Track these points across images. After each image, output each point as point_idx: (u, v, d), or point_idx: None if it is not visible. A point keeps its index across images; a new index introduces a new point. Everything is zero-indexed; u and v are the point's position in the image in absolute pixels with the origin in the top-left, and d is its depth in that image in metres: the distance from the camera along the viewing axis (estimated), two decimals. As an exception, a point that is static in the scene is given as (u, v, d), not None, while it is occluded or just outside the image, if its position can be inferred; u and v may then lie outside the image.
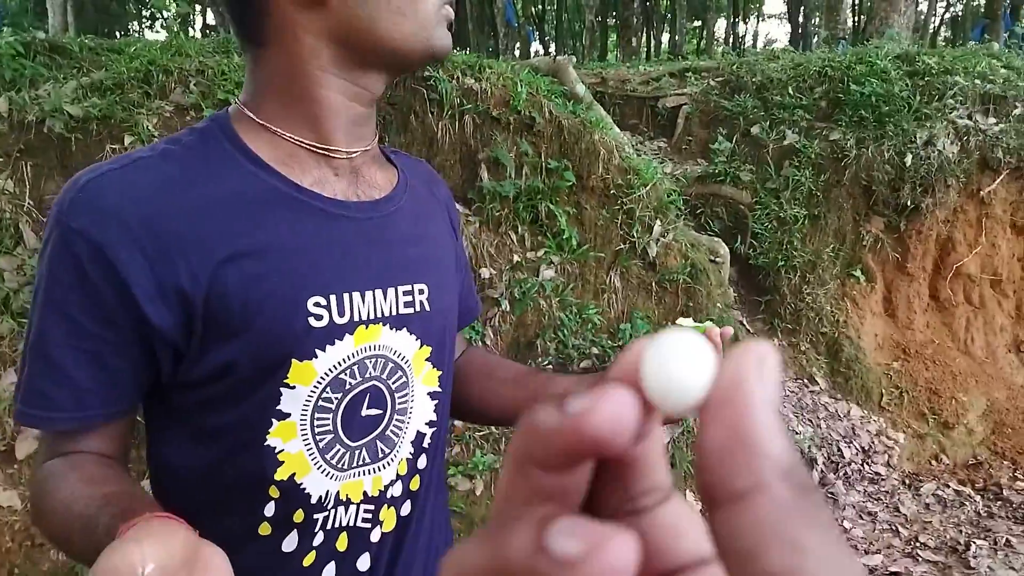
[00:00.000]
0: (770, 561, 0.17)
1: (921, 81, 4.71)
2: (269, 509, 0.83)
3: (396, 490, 0.91)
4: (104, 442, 0.80)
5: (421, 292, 0.90)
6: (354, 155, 0.88)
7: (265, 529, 0.83)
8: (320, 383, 0.82)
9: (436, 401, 0.95)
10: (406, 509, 0.93)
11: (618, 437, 0.19)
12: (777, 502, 0.17)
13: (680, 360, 0.20)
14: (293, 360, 0.80)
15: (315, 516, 0.84)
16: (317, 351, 0.81)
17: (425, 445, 0.94)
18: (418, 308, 0.90)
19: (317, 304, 0.81)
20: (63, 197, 0.76)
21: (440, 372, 0.95)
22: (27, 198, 2.84)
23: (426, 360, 0.92)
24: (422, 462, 0.94)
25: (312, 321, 0.80)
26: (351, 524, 0.87)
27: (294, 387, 0.81)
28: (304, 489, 0.83)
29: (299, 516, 0.84)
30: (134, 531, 0.58)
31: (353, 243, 0.85)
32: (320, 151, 0.85)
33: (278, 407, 0.81)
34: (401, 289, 0.88)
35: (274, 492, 0.82)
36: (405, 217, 0.92)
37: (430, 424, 0.95)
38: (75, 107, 2.87)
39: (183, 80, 3.03)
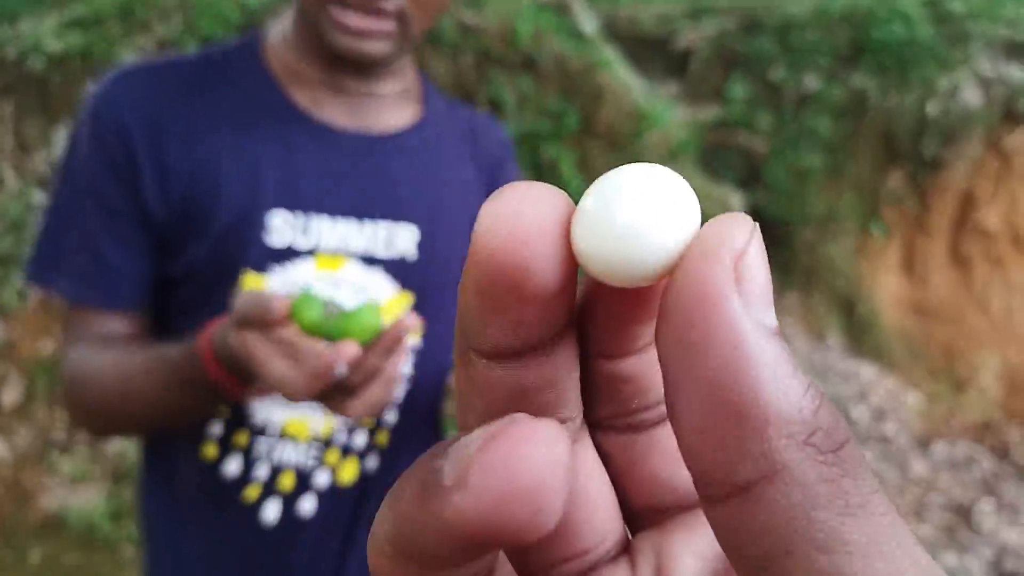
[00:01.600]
0: (797, 570, 0.12)
1: (947, 27, 4.53)
2: (217, 428, 0.86)
3: (358, 441, 0.89)
4: (131, 327, 0.85)
5: (407, 236, 0.88)
6: (348, 85, 0.87)
7: (209, 452, 0.86)
8: None
9: (414, 355, 0.91)
10: (372, 463, 0.90)
11: (528, 260, 0.14)
12: (800, 487, 0.12)
13: (632, 210, 0.14)
14: (249, 270, 0.82)
15: (257, 441, 0.85)
16: (274, 265, 0.82)
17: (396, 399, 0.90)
18: (398, 252, 0.87)
19: (282, 219, 0.82)
20: (101, 83, 0.84)
21: (424, 325, 0.90)
22: (9, 137, 2.78)
23: (406, 309, 0.89)
24: (391, 417, 0.90)
25: (270, 235, 0.82)
26: (296, 464, 0.87)
27: None
28: (247, 410, 0.84)
29: (242, 439, 0.85)
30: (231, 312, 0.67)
31: (335, 169, 0.85)
32: (313, 75, 0.86)
33: None
34: (382, 225, 0.86)
35: (223, 411, 0.85)
36: (411, 156, 0.91)
37: (404, 378, 0.91)
38: (55, 42, 2.77)
39: (164, 14, 2.92)
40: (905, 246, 4.47)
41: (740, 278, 0.13)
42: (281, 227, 0.82)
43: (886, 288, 4.40)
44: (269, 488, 0.87)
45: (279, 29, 0.89)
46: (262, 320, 0.64)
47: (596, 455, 0.18)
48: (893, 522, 0.13)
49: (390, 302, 0.87)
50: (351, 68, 0.84)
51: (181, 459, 0.87)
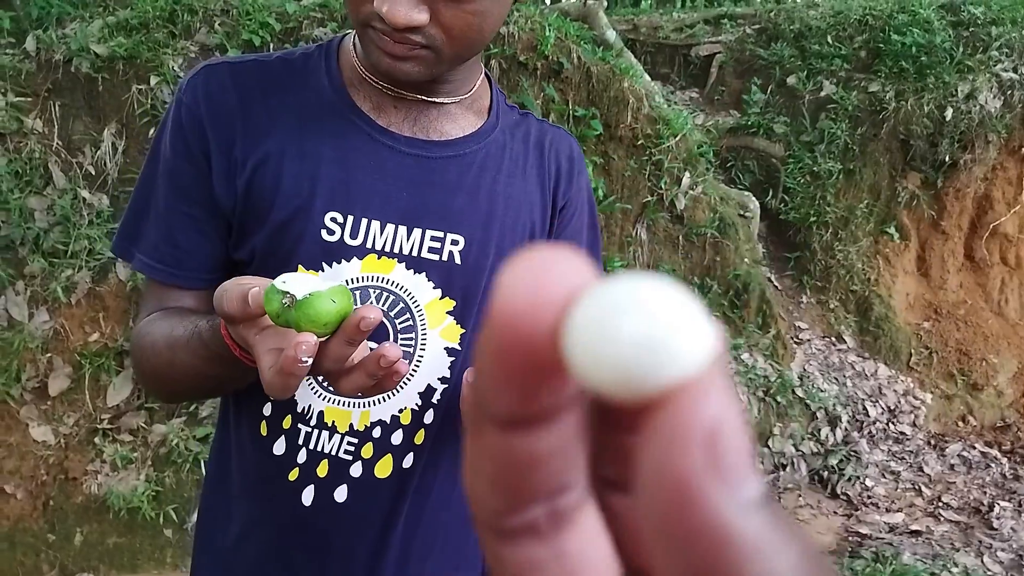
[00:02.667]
0: None
1: (966, 32, 4.53)
2: (267, 409, 0.89)
3: (395, 437, 0.91)
4: (198, 303, 0.89)
5: (454, 243, 0.88)
6: (408, 97, 0.88)
7: (264, 429, 0.90)
8: None
9: (453, 359, 0.92)
10: (408, 461, 0.92)
11: (540, 334, 0.14)
12: None
13: (627, 328, 0.13)
14: (300, 266, 0.84)
15: (299, 427, 0.88)
16: (324, 264, 0.84)
17: (434, 401, 0.92)
18: (444, 257, 0.88)
19: (333, 220, 0.84)
20: (189, 75, 0.88)
21: (464, 330, 0.92)
22: (56, 138, 2.85)
23: (447, 313, 0.90)
24: (429, 417, 0.92)
25: (324, 234, 0.84)
26: (333, 452, 0.89)
27: None
28: (292, 396, 0.85)
29: (287, 422, 0.88)
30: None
31: (389, 174, 0.86)
32: (375, 82, 0.88)
33: None
34: (430, 233, 0.87)
35: None
36: (467, 166, 0.90)
37: (443, 380, 0.92)
38: (101, 47, 2.85)
39: (208, 19, 3.00)
40: (921, 249, 4.46)
41: (716, 458, 0.13)
42: (332, 227, 0.84)
43: (902, 290, 4.40)
44: (307, 473, 0.89)
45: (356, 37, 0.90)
46: (242, 317, 0.65)
47: (598, 523, 0.17)
48: None
49: (430, 305, 0.88)
50: (393, 83, 0.86)
51: (244, 429, 0.91)
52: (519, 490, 0.16)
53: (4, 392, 2.60)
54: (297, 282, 0.61)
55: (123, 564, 2.58)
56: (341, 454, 0.90)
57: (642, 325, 0.13)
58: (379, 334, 0.87)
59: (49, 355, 2.69)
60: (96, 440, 2.67)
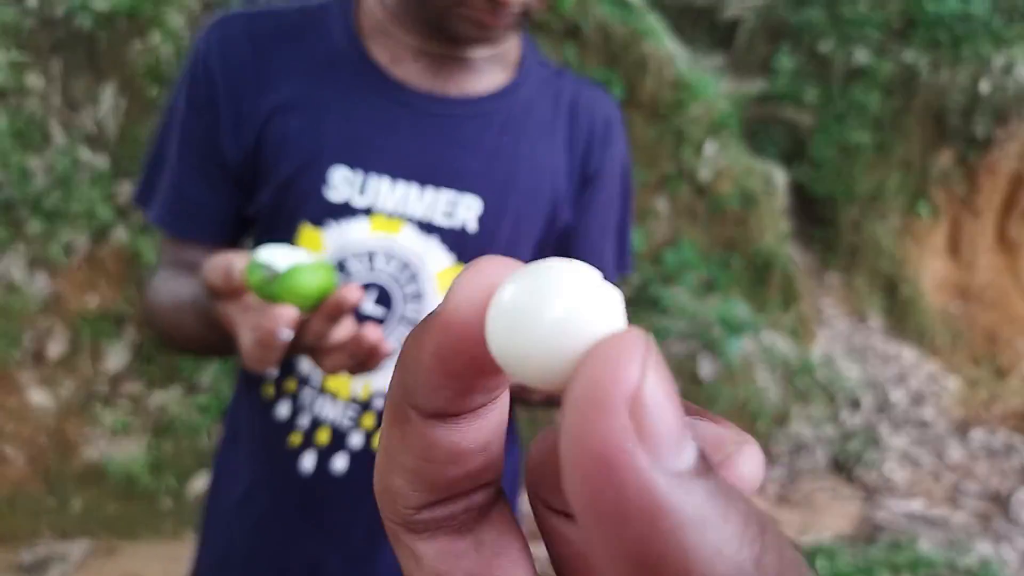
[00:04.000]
0: None
1: (1003, 1, 4.38)
2: (273, 370, 0.87)
3: None
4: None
5: (469, 207, 0.85)
6: (432, 45, 0.84)
7: (269, 390, 0.89)
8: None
9: None
10: None
11: (467, 331, 0.15)
12: None
13: (550, 309, 0.14)
14: (306, 223, 0.82)
15: (302, 392, 0.87)
16: (330, 221, 0.82)
17: None
18: (458, 223, 0.84)
19: (343, 176, 0.82)
20: (204, 28, 0.86)
21: None
22: (58, 96, 2.81)
23: None
24: None
25: (331, 191, 0.82)
26: (334, 420, 0.89)
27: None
28: (295, 358, 0.85)
29: (291, 385, 0.87)
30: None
31: (402, 130, 0.83)
32: (399, 33, 0.84)
33: None
34: (443, 194, 0.84)
35: None
36: (487, 125, 0.86)
37: None
38: (102, 2, 2.80)
39: (211, -26, 2.92)
40: (952, 228, 4.37)
41: (640, 425, 0.12)
42: (340, 183, 0.82)
43: (931, 270, 4.32)
44: (308, 439, 0.88)
45: None
46: (226, 290, 0.65)
47: (511, 516, 0.18)
48: None
49: (443, 273, 0.85)
50: (454, 43, 0.82)
51: (253, 392, 0.90)
52: (439, 484, 0.16)
53: (3, 355, 2.59)
54: (280, 255, 0.62)
55: (121, 531, 2.59)
56: (344, 421, 0.88)
57: (545, 306, 0.14)
58: (385, 300, 0.85)
59: (49, 319, 2.68)
60: (95, 406, 2.66)
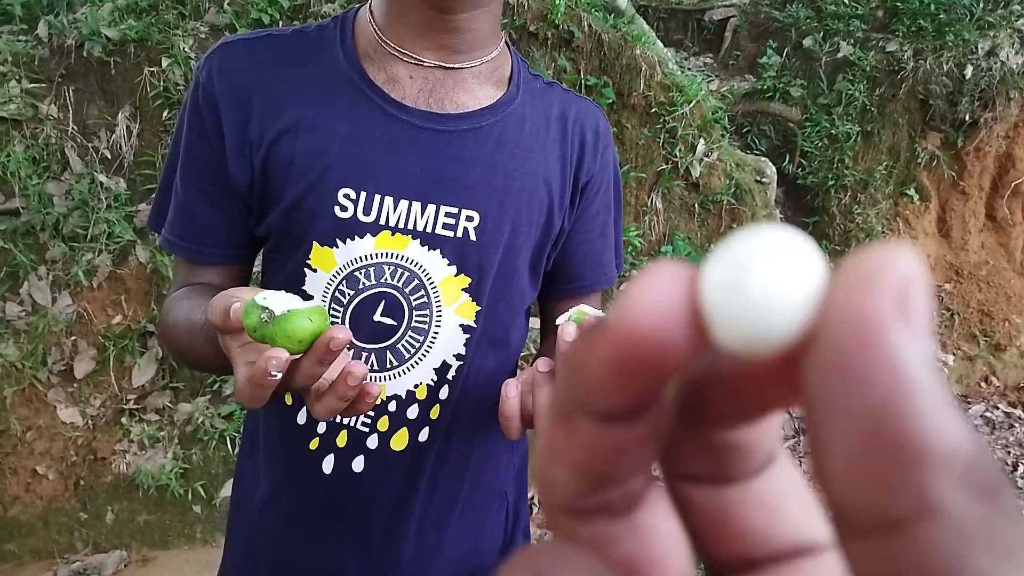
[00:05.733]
0: None
1: (986, -14, 4.43)
2: None
3: (411, 412, 0.92)
4: (223, 280, 0.92)
5: (469, 219, 0.87)
6: (426, 63, 0.86)
7: (288, 399, 0.91)
8: (338, 275, 0.86)
9: (468, 336, 0.92)
10: (423, 435, 0.94)
11: (668, 330, 0.14)
12: (956, 528, 0.12)
13: (765, 273, 0.13)
14: (315, 243, 0.85)
15: None
16: (338, 241, 0.85)
17: (449, 377, 0.93)
18: (459, 233, 0.87)
19: (347, 196, 0.84)
20: (207, 54, 0.88)
21: (479, 308, 0.91)
22: (71, 123, 2.87)
23: (463, 290, 0.90)
24: (444, 393, 0.93)
25: (337, 210, 0.84)
26: (351, 424, 0.91)
27: (316, 271, 0.86)
28: None
29: None
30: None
31: (403, 148, 0.85)
32: (392, 50, 0.86)
33: (303, 287, 0.86)
34: (444, 209, 0.86)
35: None
36: (483, 139, 0.88)
37: (458, 357, 0.92)
38: (112, 30, 2.86)
39: (217, 0, 2.98)
40: (941, 210, 4.40)
41: (907, 307, 0.13)
42: (345, 203, 0.84)
43: (923, 252, 4.32)
44: (327, 442, 0.91)
45: (372, 4, 0.89)
46: (225, 328, 0.67)
47: (666, 501, 0.18)
48: None
49: (444, 282, 0.88)
50: (441, 6, 0.82)
51: (274, 399, 0.97)
52: (601, 475, 0.17)
53: (32, 376, 2.65)
54: (277, 299, 0.64)
55: (154, 540, 2.64)
56: (359, 426, 0.91)
57: (764, 277, 0.14)
58: (394, 309, 0.88)
59: (73, 338, 2.74)
60: (123, 420, 2.72)
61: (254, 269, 0.99)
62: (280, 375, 0.63)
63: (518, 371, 1.04)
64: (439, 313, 0.89)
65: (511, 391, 0.77)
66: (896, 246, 0.13)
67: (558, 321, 0.82)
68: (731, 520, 0.17)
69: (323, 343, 0.63)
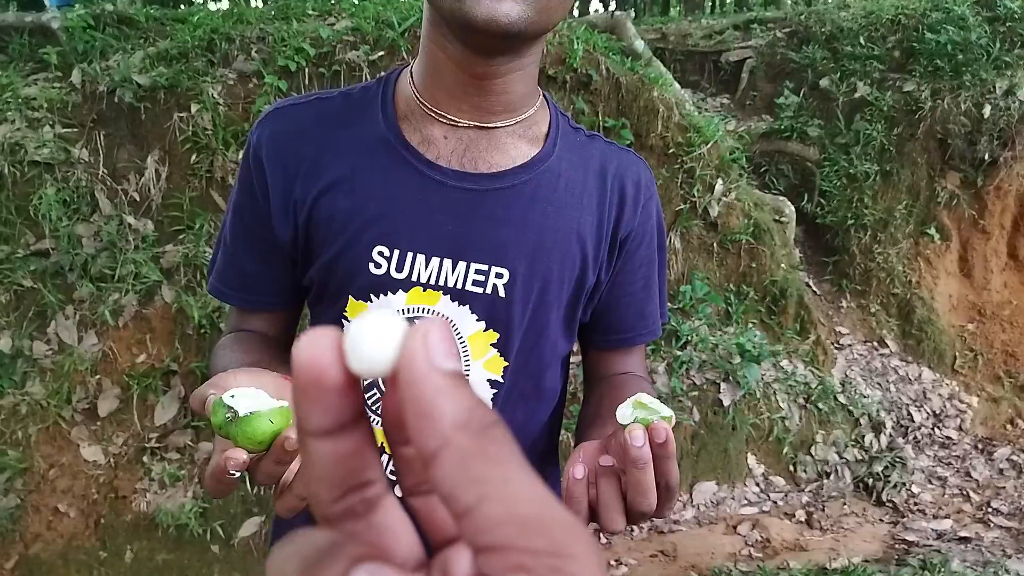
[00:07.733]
0: (463, 498, 0.20)
1: (1002, 27, 4.46)
2: None
3: None
4: (269, 325, 0.97)
5: (499, 276, 0.88)
6: (461, 123, 0.87)
7: None
8: None
9: (496, 391, 0.93)
10: None
11: (320, 368, 0.22)
12: (458, 451, 0.20)
13: (369, 333, 0.22)
14: (351, 297, 0.89)
15: None
16: (372, 296, 0.88)
17: None
18: (488, 290, 0.88)
19: (380, 253, 0.87)
20: (260, 118, 0.93)
21: (507, 363, 0.92)
22: (101, 167, 2.94)
23: (491, 345, 0.91)
24: None
25: (372, 267, 0.87)
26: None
27: None
28: None
29: None
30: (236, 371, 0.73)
31: (435, 207, 0.87)
32: (429, 111, 0.88)
33: None
34: (474, 266, 0.87)
35: None
36: (516, 198, 0.88)
37: None
38: (143, 76, 2.94)
39: (245, 47, 3.07)
40: (963, 249, 4.37)
41: (426, 344, 0.21)
42: (379, 260, 0.87)
43: (944, 291, 4.32)
44: None
45: (413, 66, 0.91)
46: (205, 417, 0.68)
47: (397, 505, 0.25)
48: (520, 467, 0.20)
49: (473, 337, 0.90)
50: (484, 50, 0.80)
51: None
52: (335, 482, 0.23)
53: (56, 414, 2.68)
54: (244, 398, 0.65)
55: (173, 579, 2.64)
56: (387, 474, 0.91)
57: (368, 334, 0.22)
58: None
59: (98, 377, 2.77)
60: (144, 459, 2.74)
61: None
62: (238, 474, 0.64)
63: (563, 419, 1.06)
64: (467, 368, 0.90)
65: (578, 472, 0.72)
66: (431, 320, 0.22)
67: (619, 417, 0.73)
68: (435, 517, 0.26)
69: (279, 444, 0.64)
